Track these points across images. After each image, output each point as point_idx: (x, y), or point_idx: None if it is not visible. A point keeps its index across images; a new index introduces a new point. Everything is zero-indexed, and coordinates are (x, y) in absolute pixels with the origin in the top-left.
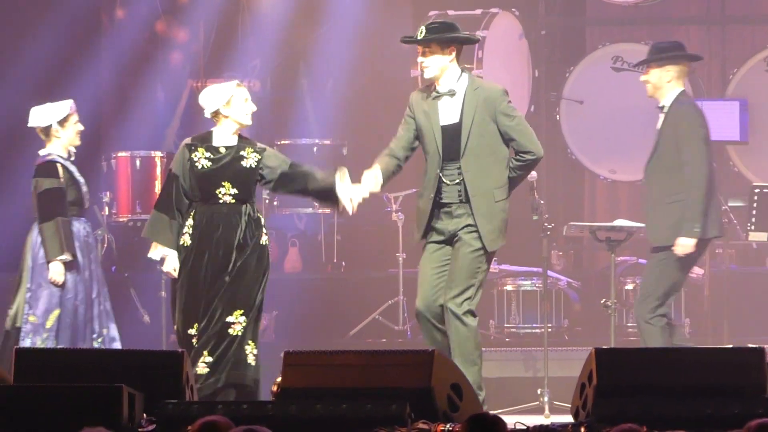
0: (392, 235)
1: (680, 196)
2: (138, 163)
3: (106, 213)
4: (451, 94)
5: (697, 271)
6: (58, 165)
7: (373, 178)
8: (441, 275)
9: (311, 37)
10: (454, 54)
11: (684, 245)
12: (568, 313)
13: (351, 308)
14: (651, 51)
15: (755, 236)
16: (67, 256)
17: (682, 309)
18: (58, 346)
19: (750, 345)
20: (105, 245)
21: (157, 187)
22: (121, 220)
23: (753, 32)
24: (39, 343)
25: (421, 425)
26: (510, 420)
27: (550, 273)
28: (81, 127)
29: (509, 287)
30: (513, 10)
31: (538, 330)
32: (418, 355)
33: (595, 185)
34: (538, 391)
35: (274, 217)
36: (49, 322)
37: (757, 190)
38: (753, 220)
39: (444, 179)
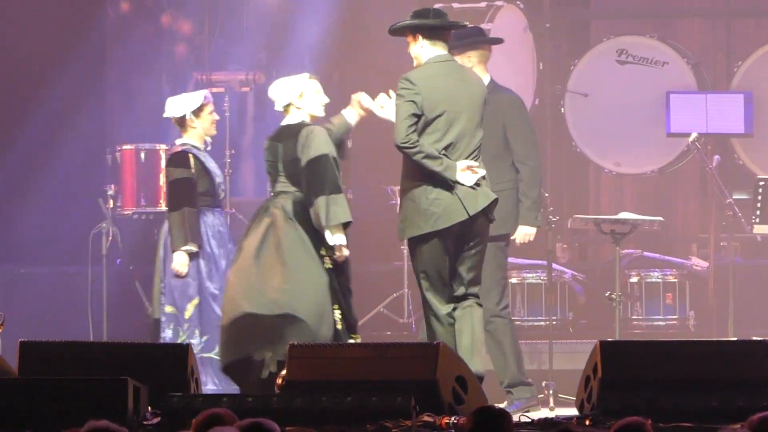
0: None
1: (508, 184)
2: (143, 156)
3: (111, 206)
4: None
5: (701, 264)
6: (190, 155)
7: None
8: None
9: (316, 29)
10: (420, 41)
11: (526, 233)
12: (573, 305)
13: (355, 301)
14: (452, 38)
15: (760, 229)
16: (191, 247)
17: (686, 302)
18: (201, 338)
19: (755, 338)
20: (110, 238)
21: (162, 180)
22: (125, 213)
23: (758, 25)
24: (181, 335)
25: (426, 418)
26: (515, 413)
27: (554, 266)
28: (216, 117)
29: (514, 280)
30: (518, 2)
31: (542, 323)
32: (423, 348)
33: (599, 178)
34: (543, 384)
35: None
36: (188, 313)
37: (761, 183)
38: (758, 212)
39: None
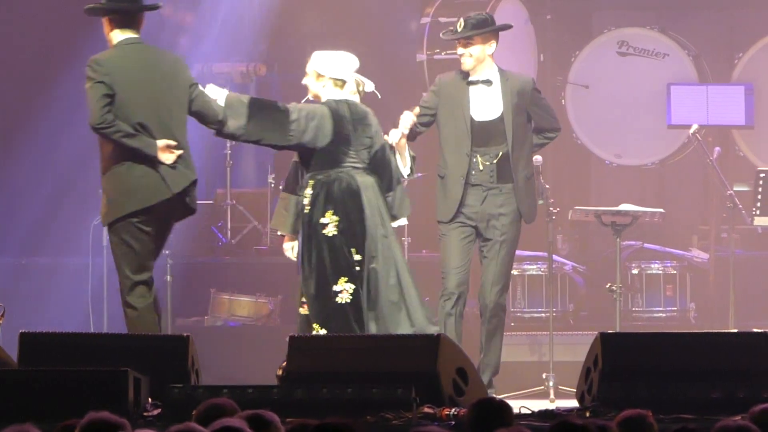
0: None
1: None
2: None
3: None
4: (488, 83)
5: (702, 255)
6: None
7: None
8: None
9: (319, 21)
10: (494, 46)
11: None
12: (574, 297)
13: None
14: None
15: (760, 221)
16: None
17: (687, 293)
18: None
19: (755, 329)
20: None
21: None
22: None
23: (759, 16)
24: None
25: (426, 409)
26: (515, 404)
27: (555, 257)
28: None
29: (514, 272)
30: None
31: (543, 314)
32: (423, 340)
33: (600, 169)
34: (544, 376)
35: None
36: None
37: (762, 175)
38: (758, 204)
39: (478, 162)
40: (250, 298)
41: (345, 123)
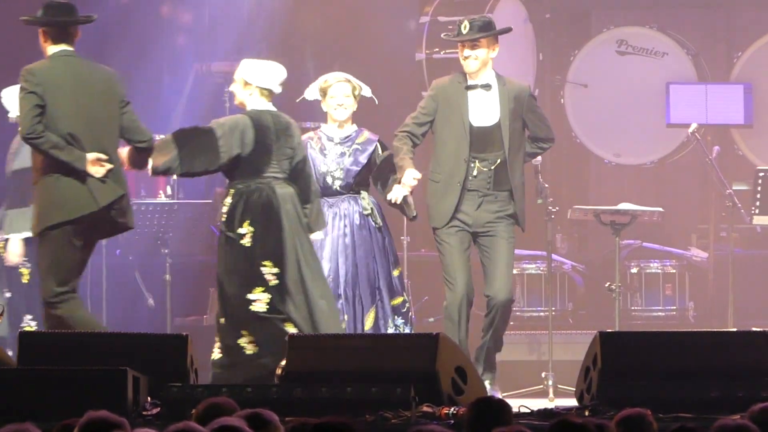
0: (397, 219)
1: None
2: None
3: None
4: (488, 88)
5: (701, 254)
6: None
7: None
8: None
9: (318, 20)
10: (497, 50)
11: None
12: (573, 296)
13: None
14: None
15: (759, 220)
16: None
17: (686, 293)
18: None
19: (754, 328)
20: None
21: None
22: None
23: (758, 15)
24: None
25: (425, 409)
26: (514, 403)
27: (554, 256)
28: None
29: (514, 271)
30: None
31: (542, 313)
32: (422, 339)
33: (599, 169)
34: (543, 375)
35: None
36: None
37: (761, 174)
38: (757, 203)
39: (474, 168)
40: None
41: (268, 133)
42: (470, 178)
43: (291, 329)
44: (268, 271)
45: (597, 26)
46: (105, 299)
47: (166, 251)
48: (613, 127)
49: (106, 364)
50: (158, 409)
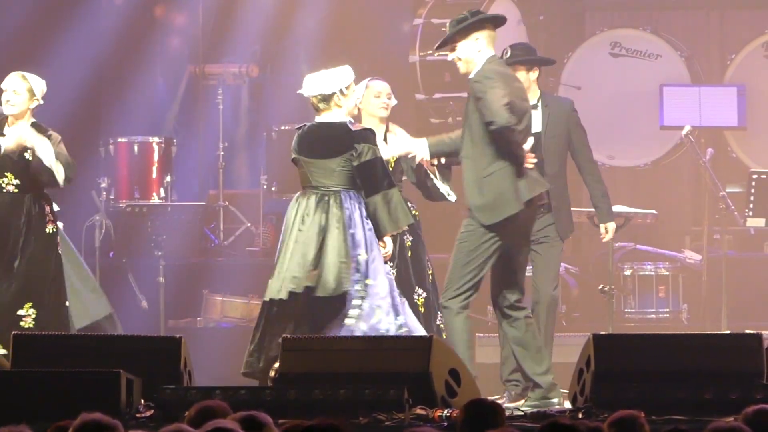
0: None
1: None
2: (136, 148)
3: (104, 199)
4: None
5: (694, 257)
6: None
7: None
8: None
9: (312, 22)
10: (481, 37)
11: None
12: (566, 298)
13: None
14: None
15: (753, 222)
16: None
17: (680, 295)
18: None
19: (748, 331)
20: (103, 231)
21: (155, 173)
22: (119, 205)
23: (751, 17)
24: None
25: (419, 410)
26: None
27: None
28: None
29: None
30: None
31: None
32: (416, 341)
33: None
34: None
35: (274, 203)
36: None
37: (755, 176)
38: (751, 206)
39: None
40: (242, 300)
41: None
42: None
43: None
44: None
45: (590, 28)
46: None
47: (160, 253)
48: (607, 130)
49: (99, 367)
50: (152, 411)
